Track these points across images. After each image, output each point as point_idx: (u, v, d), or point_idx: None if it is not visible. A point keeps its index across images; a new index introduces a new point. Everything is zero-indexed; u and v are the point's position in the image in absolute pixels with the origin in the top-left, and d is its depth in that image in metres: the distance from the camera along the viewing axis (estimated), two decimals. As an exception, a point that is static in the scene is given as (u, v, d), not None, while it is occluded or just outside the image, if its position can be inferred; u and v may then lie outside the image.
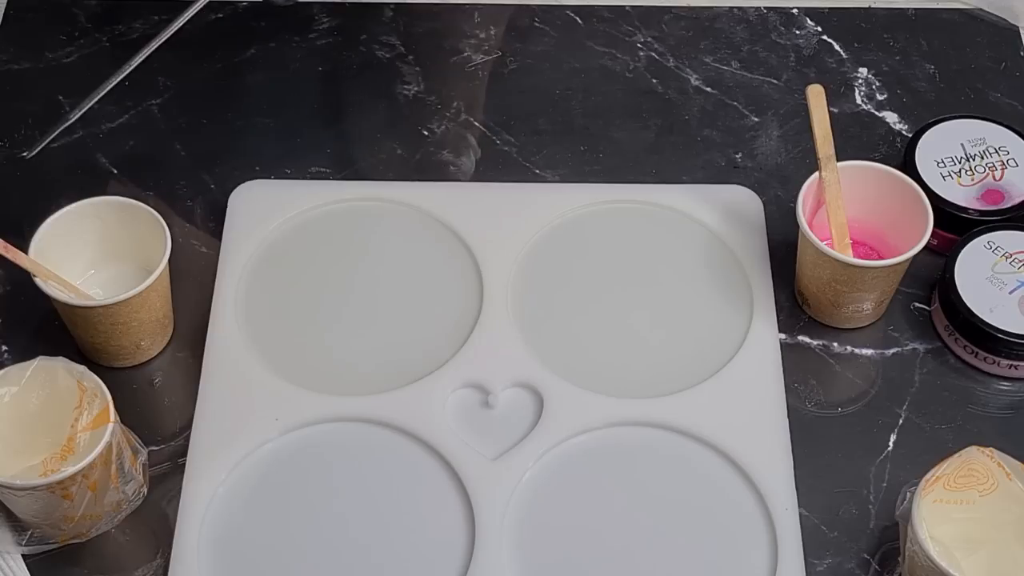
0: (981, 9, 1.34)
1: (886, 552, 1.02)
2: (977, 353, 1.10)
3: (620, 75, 1.29)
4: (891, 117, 1.26)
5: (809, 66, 1.30)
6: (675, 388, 1.09)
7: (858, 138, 1.24)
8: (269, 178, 1.21)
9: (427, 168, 1.22)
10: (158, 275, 1.05)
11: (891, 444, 1.07)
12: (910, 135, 1.22)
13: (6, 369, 1.00)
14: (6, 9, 1.33)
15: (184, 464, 1.05)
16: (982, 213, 1.15)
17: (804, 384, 1.10)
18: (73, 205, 1.09)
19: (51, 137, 1.21)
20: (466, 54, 1.31)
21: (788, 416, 1.07)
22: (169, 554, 1.01)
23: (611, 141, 1.25)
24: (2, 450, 0.99)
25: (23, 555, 1.01)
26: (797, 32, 1.32)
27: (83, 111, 1.21)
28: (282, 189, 1.20)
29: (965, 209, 1.15)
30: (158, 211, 1.08)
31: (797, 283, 1.13)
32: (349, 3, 1.34)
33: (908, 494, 0.98)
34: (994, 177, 1.17)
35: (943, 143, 1.18)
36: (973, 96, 1.28)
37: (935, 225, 1.09)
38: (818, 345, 1.12)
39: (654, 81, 1.29)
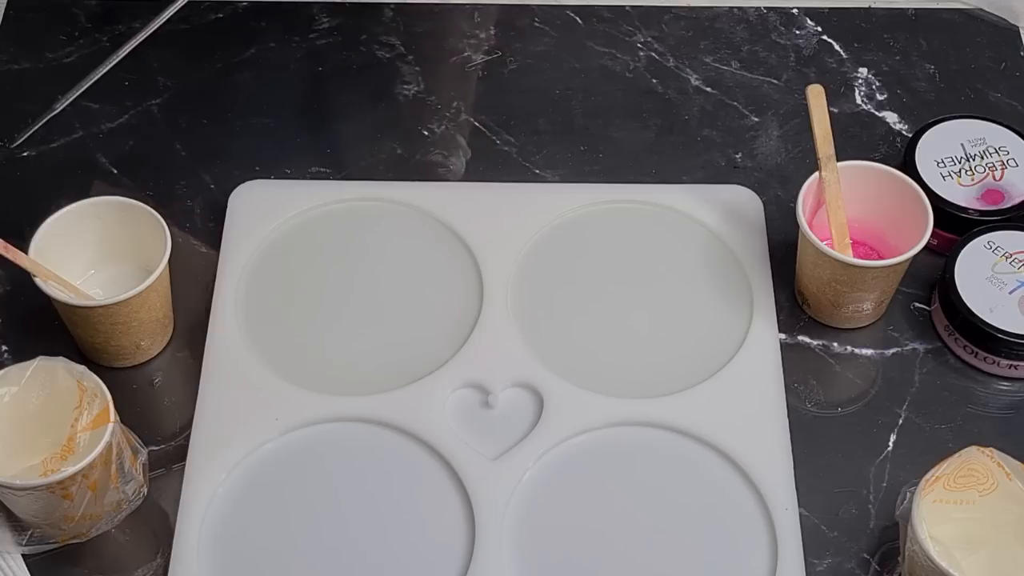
0: (981, 9, 1.34)
1: (886, 552, 1.02)
2: (977, 353, 1.10)
3: (620, 75, 1.29)
4: (891, 117, 1.26)
5: (809, 66, 1.30)
6: (675, 388, 1.09)
7: (858, 138, 1.24)
8: (269, 178, 1.21)
9: (417, 168, 1.22)
10: (158, 275, 1.05)
11: (891, 444, 1.07)
12: (910, 135, 1.22)
13: (6, 369, 1.00)
14: (6, 9, 1.33)
15: (184, 464, 1.05)
16: (982, 213, 1.15)
17: (804, 384, 1.10)
18: (73, 205, 1.09)
19: (36, 128, 1.21)
20: (466, 54, 1.31)
21: (788, 416, 1.07)
22: (169, 554, 1.01)
23: (611, 141, 1.25)
24: (2, 450, 0.99)
25: (23, 555, 1.01)
26: (797, 32, 1.33)
27: (67, 102, 1.21)
28: (282, 189, 1.20)
29: (965, 209, 1.15)
30: (158, 211, 1.09)
31: (797, 283, 1.13)
32: (349, 3, 1.34)
33: (908, 494, 0.98)
34: (994, 177, 1.17)
35: (943, 143, 1.18)
36: (973, 96, 1.28)
37: (935, 225, 1.09)
38: (818, 345, 1.12)
39: (654, 81, 1.29)
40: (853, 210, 1.11)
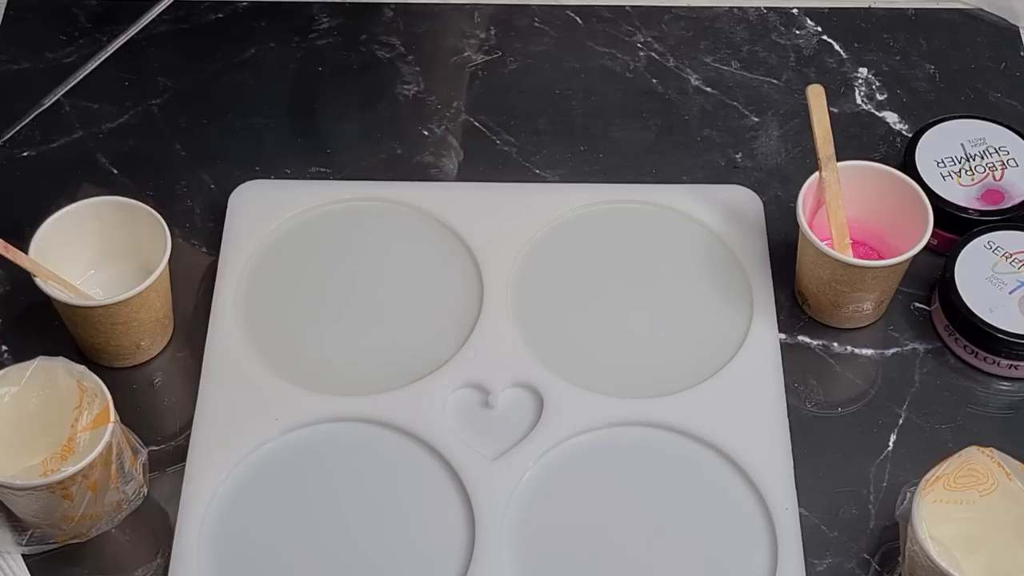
0: (981, 9, 1.34)
1: (886, 552, 1.02)
2: (977, 353, 1.10)
3: (620, 75, 1.29)
4: (891, 117, 1.26)
5: (809, 66, 1.30)
6: (675, 388, 1.09)
7: (858, 138, 1.24)
8: (269, 178, 1.21)
9: (417, 168, 1.22)
10: (158, 275, 1.05)
11: (891, 444, 1.07)
12: (910, 135, 1.22)
13: (6, 369, 1.00)
14: (6, 9, 1.33)
15: (184, 464, 1.05)
16: (982, 213, 1.15)
17: (804, 384, 1.10)
18: (73, 205, 1.09)
19: (22, 125, 1.21)
20: (466, 54, 1.31)
21: (788, 416, 1.07)
22: (169, 554, 1.01)
23: (611, 141, 1.25)
24: (2, 450, 0.99)
25: (23, 555, 1.01)
26: (797, 32, 1.33)
27: (56, 97, 1.21)
28: (282, 189, 1.20)
29: (965, 209, 1.15)
30: (158, 211, 1.09)
31: (797, 283, 1.13)
32: (349, 3, 1.34)
33: (908, 494, 0.98)
34: (994, 177, 1.17)
35: (943, 143, 1.18)
36: (973, 96, 1.28)
37: (935, 225, 1.09)
38: (818, 345, 1.12)
39: (654, 81, 1.29)
40: (853, 210, 1.11)
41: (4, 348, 1.11)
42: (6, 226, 1.08)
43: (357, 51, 1.31)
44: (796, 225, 1.09)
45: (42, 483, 0.95)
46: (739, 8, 1.34)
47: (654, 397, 1.08)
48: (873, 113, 1.26)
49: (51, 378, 1.00)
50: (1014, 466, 0.97)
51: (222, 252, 1.15)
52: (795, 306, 1.14)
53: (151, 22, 1.30)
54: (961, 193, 1.16)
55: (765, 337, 1.11)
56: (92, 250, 1.10)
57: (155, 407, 1.09)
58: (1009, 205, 1.15)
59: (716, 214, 1.18)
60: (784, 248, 1.16)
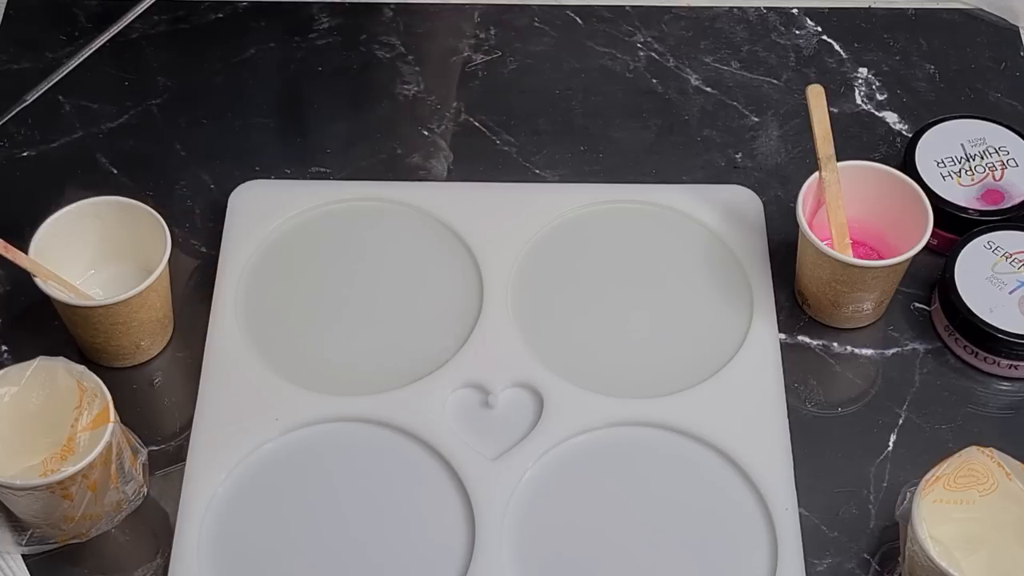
0: (981, 9, 1.34)
1: (886, 552, 1.02)
2: (977, 353, 1.10)
3: (620, 75, 1.29)
4: (891, 117, 1.26)
5: (809, 66, 1.30)
6: (675, 388, 1.09)
7: (858, 138, 1.24)
8: (269, 178, 1.21)
9: (417, 168, 1.22)
10: (158, 275, 1.05)
11: (891, 444, 1.07)
12: (910, 135, 1.22)
13: (6, 369, 1.00)
14: (6, 9, 1.33)
15: (184, 464, 1.05)
16: (982, 213, 1.15)
17: (804, 384, 1.10)
18: (73, 205, 1.09)
19: (5, 120, 1.21)
20: (466, 54, 1.31)
21: (788, 416, 1.07)
22: (169, 554, 1.01)
23: (611, 141, 1.25)
24: (2, 450, 0.99)
25: (23, 555, 1.01)
26: (797, 32, 1.32)
27: (39, 93, 1.21)
28: (282, 189, 1.20)
29: (965, 209, 1.15)
30: (158, 211, 1.09)
31: (797, 283, 1.13)
32: (349, 3, 1.34)
33: (908, 494, 0.98)
34: (994, 177, 1.17)
35: (943, 143, 1.18)
36: (973, 96, 1.28)
37: (935, 225, 1.09)
38: (818, 345, 1.12)
39: (654, 81, 1.29)
40: (853, 210, 1.11)
41: (4, 348, 1.11)
42: (6, 226, 1.08)
43: (357, 51, 1.31)
44: (796, 225, 1.09)
45: (42, 483, 0.95)
46: (739, 8, 1.34)
47: (654, 397, 1.08)
48: (873, 113, 1.26)
49: (51, 378, 1.00)
50: (1014, 466, 0.97)
51: (222, 252, 1.15)
52: (795, 306, 1.14)
53: (150, 22, 1.30)
54: (961, 193, 1.16)
55: (765, 337, 1.11)
56: (92, 250, 1.10)
57: (155, 407, 1.09)
58: (1009, 205, 1.15)
59: (716, 214, 1.18)
60: (784, 248, 1.16)
